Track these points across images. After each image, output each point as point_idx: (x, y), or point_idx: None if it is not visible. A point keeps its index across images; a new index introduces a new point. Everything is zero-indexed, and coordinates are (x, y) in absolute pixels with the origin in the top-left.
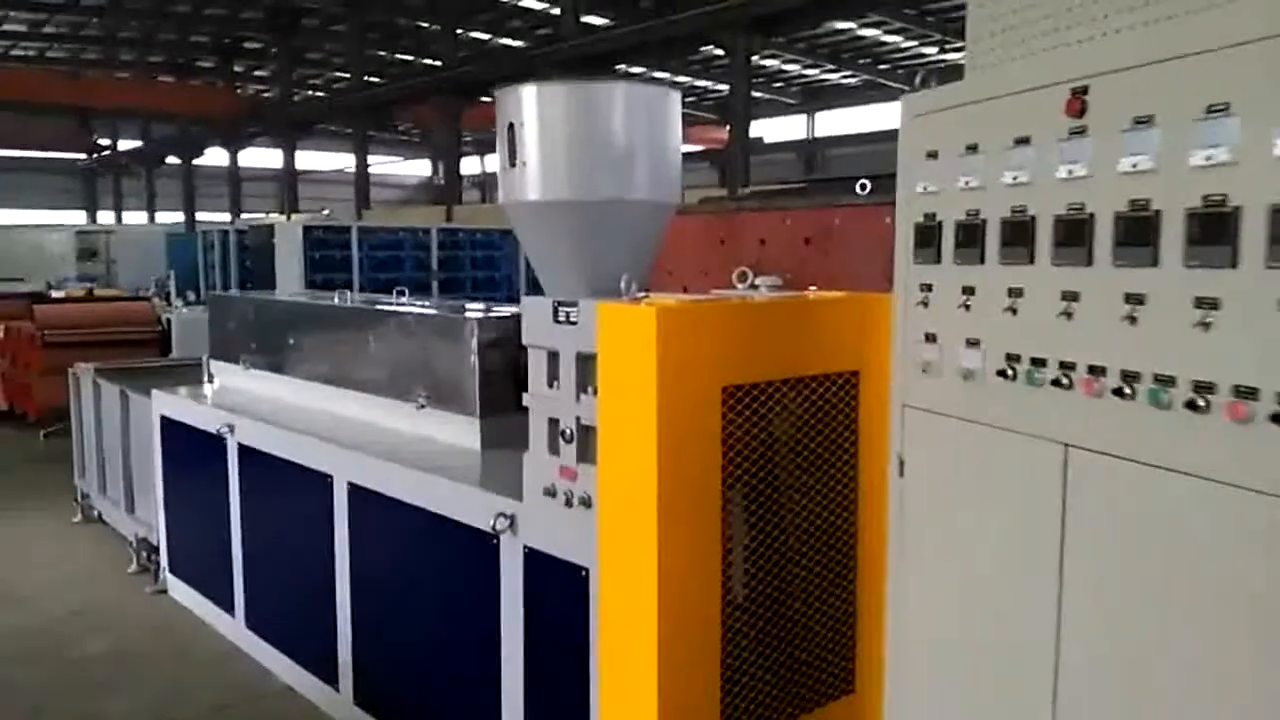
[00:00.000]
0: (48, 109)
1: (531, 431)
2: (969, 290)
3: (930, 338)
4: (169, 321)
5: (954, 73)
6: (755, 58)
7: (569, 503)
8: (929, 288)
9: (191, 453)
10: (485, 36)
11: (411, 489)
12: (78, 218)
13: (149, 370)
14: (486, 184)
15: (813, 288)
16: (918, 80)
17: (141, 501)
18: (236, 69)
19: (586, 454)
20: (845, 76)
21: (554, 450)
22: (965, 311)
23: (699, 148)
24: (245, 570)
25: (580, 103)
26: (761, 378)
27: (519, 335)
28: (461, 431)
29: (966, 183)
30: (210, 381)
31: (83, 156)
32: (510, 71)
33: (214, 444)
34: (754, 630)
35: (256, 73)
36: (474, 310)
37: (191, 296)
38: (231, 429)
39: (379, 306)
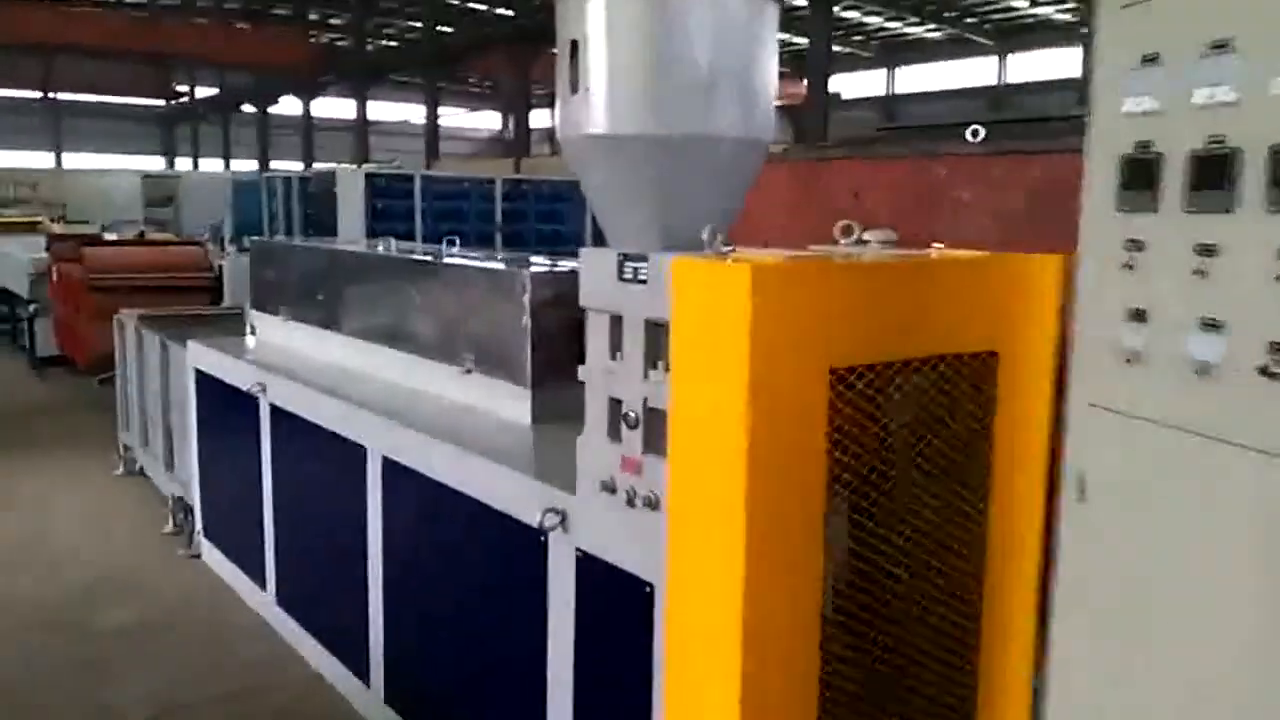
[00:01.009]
0: (126, 54)
1: (588, 412)
2: (1207, 250)
3: (1138, 315)
4: (221, 268)
5: (1047, 31)
6: (835, 8)
7: (631, 501)
8: (1139, 245)
9: (225, 410)
10: None
11: (450, 469)
12: (156, 164)
13: (195, 319)
14: (555, 137)
15: (937, 245)
16: None
17: (180, 458)
18: (311, 17)
19: (655, 444)
20: (928, 30)
21: (614, 436)
22: (1200, 280)
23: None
24: (277, 541)
25: (658, 15)
26: (878, 357)
27: (576, 293)
28: (511, 402)
29: (1210, 96)
30: (252, 334)
31: (160, 103)
32: None
33: (246, 402)
34: (855, 668)
35: (331, 20)
36: (529, 264)
37: (247, 243)
38: (264, 388)
39: (423, 257)
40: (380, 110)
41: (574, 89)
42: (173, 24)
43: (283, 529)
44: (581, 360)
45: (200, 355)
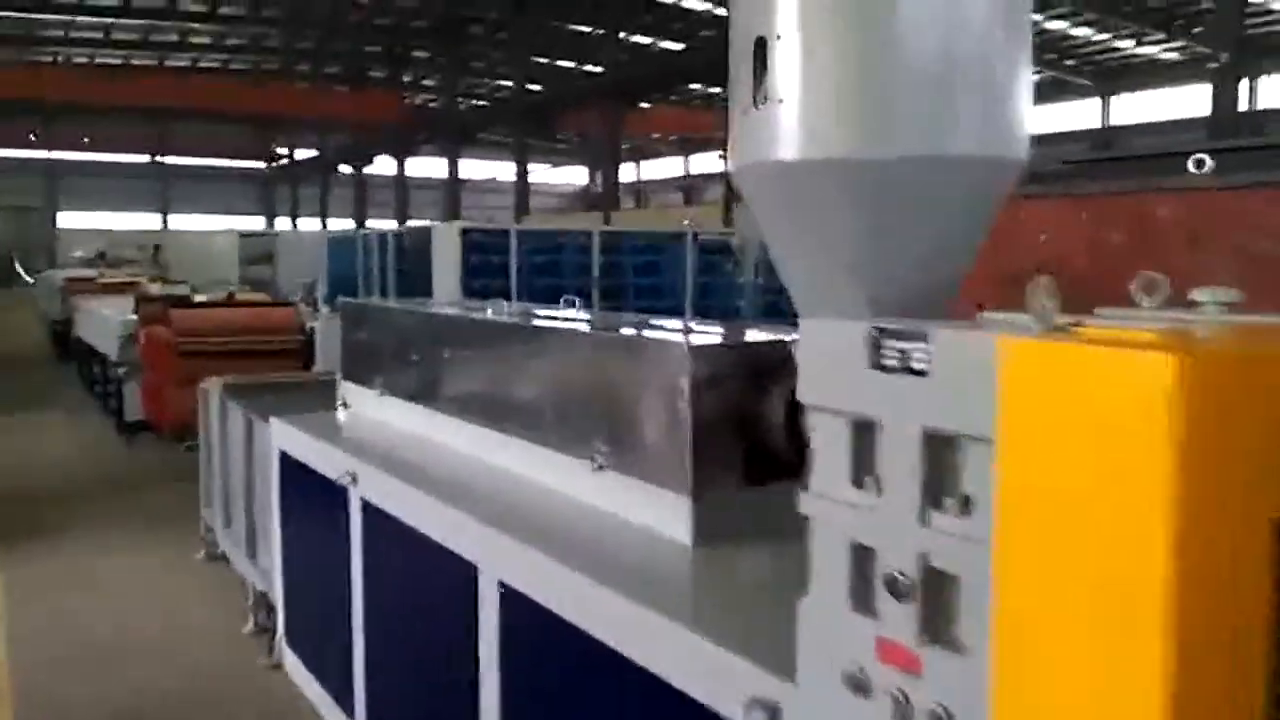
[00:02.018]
0: (231, 117)
1: (816, 560)
2: None
3: None
4: (314, 330)
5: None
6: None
7: (903, 714)
8: None
9: (311, 500)
10: (646, 40)
11: (591, 613)
12: (256, 224)
13: (284, 387)
14: (642, 190)
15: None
16: None
17: (264, 547)
18: (405, 79)
19: (942, 628)
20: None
21: (863, 606)
22: None
23: None
24: (368, 665)
25: (884, 4)
26: None
27: (751, 371)
28: (662, 513)
29: None
30: (343, 408)
31: (261, 165)
32: (672, 73)
33: (335, 494)
34: None
35: (424, 82)
36: (683, 331)
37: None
38: (354, 479)
39: (541, 322)
40: (470, 168)
41: (757, 101)
42: (276, 87)
43: (375, 651)
44: (782, 469)
45: (284, 435)
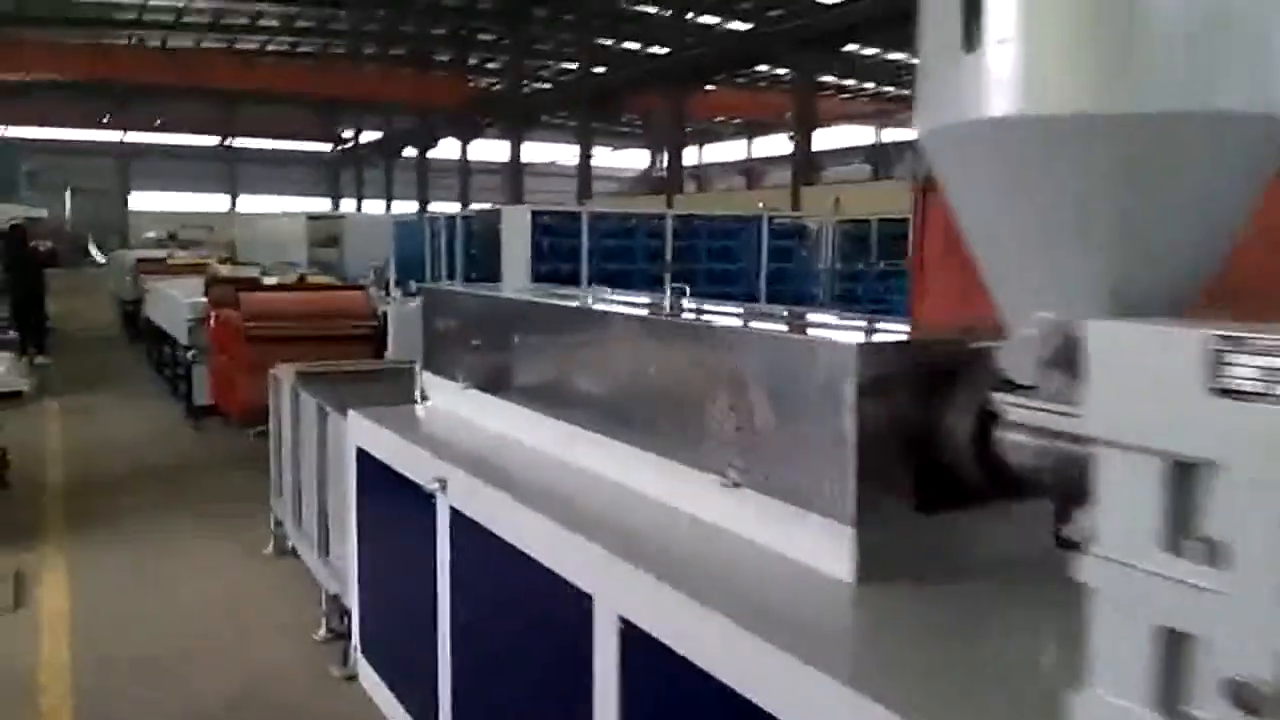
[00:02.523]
0: (297, 100)
1: (1103, 645)
2: None
3: None
4: (385, 315)
5: None
6: None
7: None
8: None
9: (392, 502)
10: (713, 21)
11: (731, 662)
12: (322, 206)
13: (358, 376)
14: (703, 174)
15: None
16: None
17: (337, 545)
18: (470, 62)
19: None
20: None
21: (1170, 710)
22: None
23: None
24: (455, 686)
25: None
26: None
27: (930, 376)
28: (814, 541)
29: None
30: (422, 401)
31: (327, 148)
32: (738, 54)
33: (419, 498)
34: None
35: (488, 65)
36: (831, 324)
37: (413, 286)
38: (443, 485)
39: (662, 316)
40: (531, 152)
41: (969, 41)
42: (342, 70)
43: (465, 676)
44: (965, 494)
45: (362, 430)
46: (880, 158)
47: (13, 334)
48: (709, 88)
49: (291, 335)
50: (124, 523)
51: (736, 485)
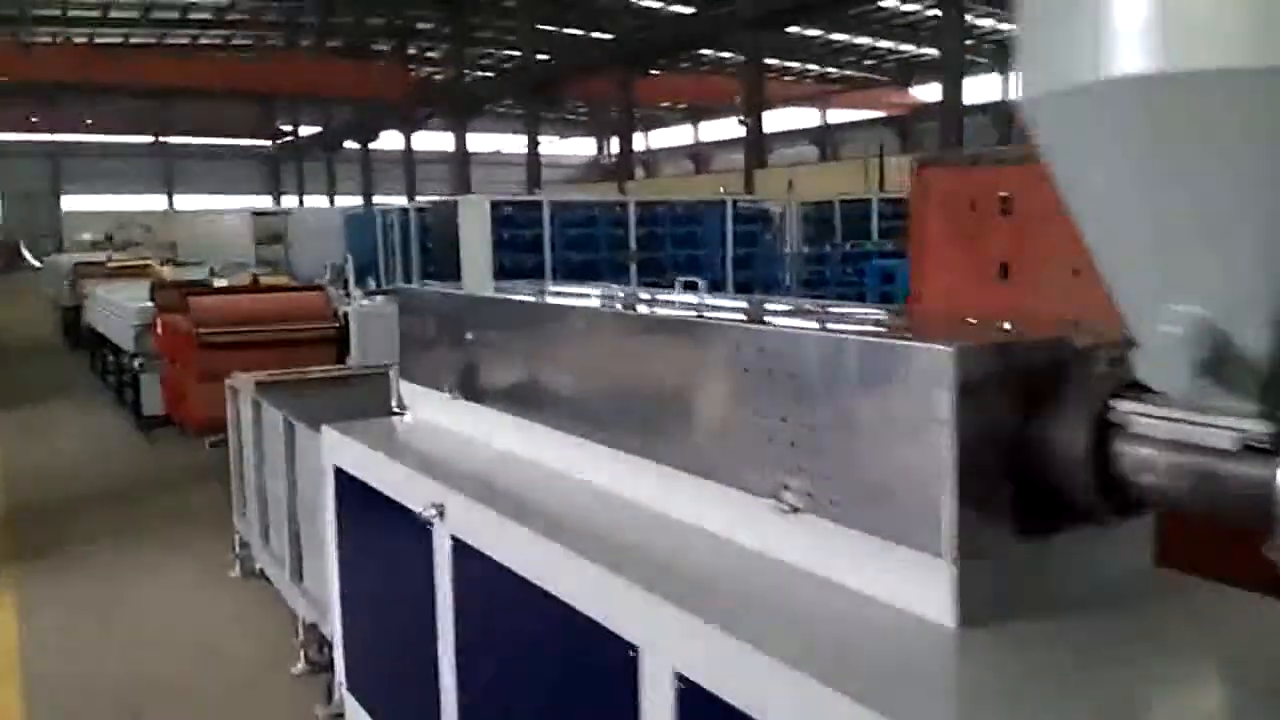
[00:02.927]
0: (234, 94)
1: None
2: None
3: None
4: (347, 316)
5: None
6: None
7: None
8: None
9: (378, 528)
10: (656, 5)
11: None
12: (263, 203)
13: (322, 383)
14: (651, 160)
15: None
16: None
17: (312, 568)
18: (410, 52)
19: None
20: None
21: None
22: None
23: (882, 113)
24: None
25: None
26: None
27: (1036, 381)
28: (901, 579)
29: None
30: (400, 412)
31: (266, 143)
32: (685, 38)
33: (411, 525)
34: None
35: (429, 54)
36: (898, 322)
37: (371, 284)
38: (441, 512)
39: (694, 314)
40: (476, 142)
41: None
42: (279, 63)
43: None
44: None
45: (339, 448)
46: (825, 139)
47: None
48: (654, 72)
49: (247, 341)
50: (76, 550)
51: (795, 510)
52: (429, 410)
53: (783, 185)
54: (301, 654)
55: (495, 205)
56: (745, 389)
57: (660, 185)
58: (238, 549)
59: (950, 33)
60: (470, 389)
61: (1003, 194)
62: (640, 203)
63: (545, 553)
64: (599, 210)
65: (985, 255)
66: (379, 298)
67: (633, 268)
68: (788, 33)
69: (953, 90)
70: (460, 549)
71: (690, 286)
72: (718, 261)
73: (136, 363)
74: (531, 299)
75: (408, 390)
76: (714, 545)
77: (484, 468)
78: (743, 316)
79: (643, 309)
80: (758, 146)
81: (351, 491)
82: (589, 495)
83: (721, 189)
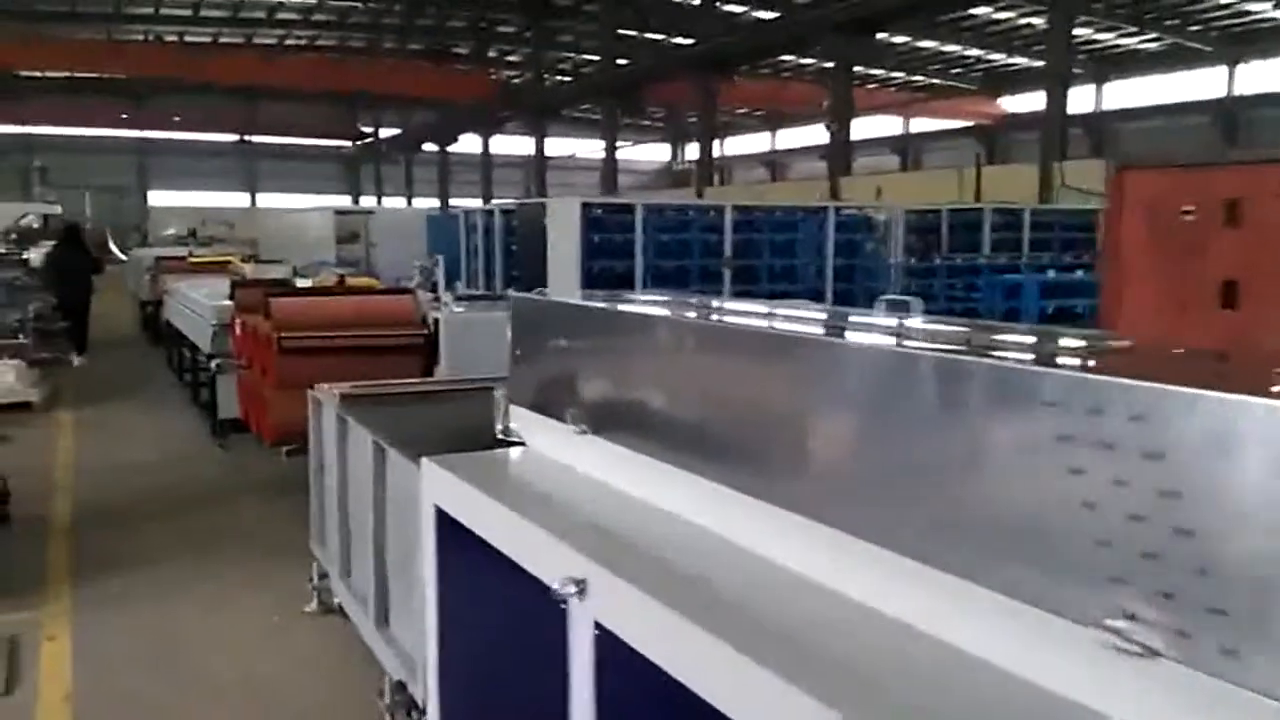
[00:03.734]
0: (318, 95)
1: None
2: None
3: None
4: (437, 323)
5: None
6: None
7: None
8: None
9: (492, 590)
10: (738, 9)
11: None
12: (341, 203)
13: (414, 399)
14: (725, 167)
15: None
16: None
17: (401, 614)
18: (490, 54)
19: None
20: (1144, 41)
21: None
22: None
23: (967, 122)
24: None
25: None
26: None
27: None
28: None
29: None
30: (510, 442)
31: (347, 144)
32: (767, 43)
33: (540, 597)
34: None
35: (509, 58)
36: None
37: (460, 288)
38: (581, 590)
39: (960, 348)
40: (550, 146)
41: None
42: (361, 64)
43: None
44: None
45: (444, 488)
46: (908, 148)
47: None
48: (735, 78)
49: (330, 347)
50: (141, 570)
51: (1147, 653)
52: (549, 444)
53: (868, 193)
54: (387, 718)
55: (586, 207)
56: (1061, 465)
57: (735, 192)
58: (315, 579)
59: (1056, 41)
60: (608, 425)
61: (1229, 199)
62: (737, 207)
63: (734, 673)
64: (693, 214)
65: (1201, 273)
66: (475, 305)
67: (726, 276)
68: (875, 39)
69: (1058, 99)
70: (607, 641)
71: (897, 306)
72: (813, 271)
73: (213, 363)
74: (700, 318)
75: (520, 417)
76: (998, 686)
77: (638, 534)
78: (1028, 355)
79: (865, 338)
80: (844, 154)
81: (458, 540)
82: (799, 591)
83: (818, 195)
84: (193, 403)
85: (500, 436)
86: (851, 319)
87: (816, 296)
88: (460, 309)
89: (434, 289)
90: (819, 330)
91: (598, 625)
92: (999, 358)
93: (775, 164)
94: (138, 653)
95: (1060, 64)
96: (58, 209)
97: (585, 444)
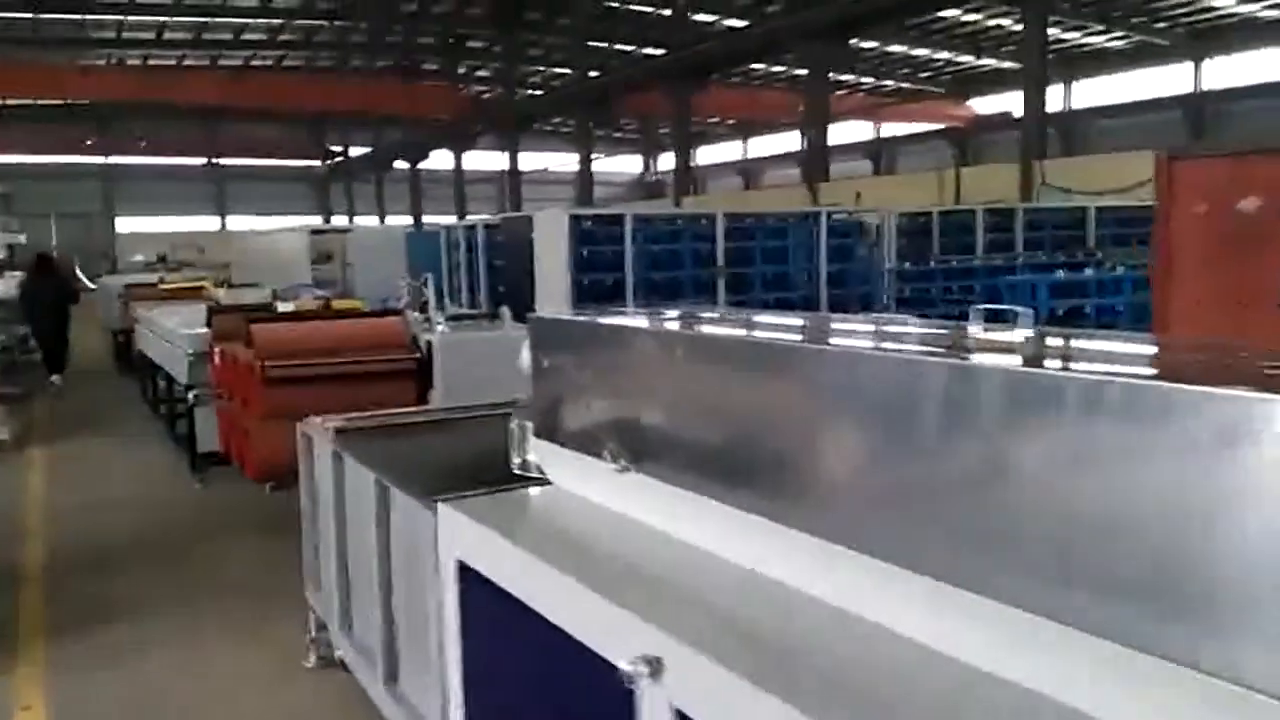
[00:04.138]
0: (286, 115)
1: None
2: None
3: None
4: (429, 346)
5: None
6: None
7: None
8: None
9: (535, 660)
10: (710, 18)
11: None
12: (313, 222)
13: (414, 429)
14: (698, 177)
15: None
16: None
17: (411, 671)
18: (459, 70)
19: None
20: (1111, 39)
21: None
22: None
23: (936, 125)
24: None
25: None
26: None
27: None
28: None
29: None
30: (530, 478)
31: (317, 163)
32: (744, 49)
33: (601, 676)
34: None
35: (479, 73)
36: None
37: (450, 307)
38: (655, 668)
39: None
40: (522, 161)
41: None
42: (330, 83)
43: None
44: None
45: (468, 539)
46: (881, 152)
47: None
48: (708, 87)
49: (318, 374)
50: (120, 625)
51: None
52: (579, 482)
53: (847, 199)
54: None
55: (575, 219)
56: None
57: (714, 201)
58: (313, 632)
59: (1030, 41)
60: (658, 461)
61: None
62: (728, 215)
63: None
64: (683, 224)
65: (1262, 268)
66: (465, 326)
67: (720, 285)
68: (848, 44)
69: (1036, 99)
70: None
71: (998, 317)
72: (806, 278)
73: (190, 395)
74: (770, 335)
75: (544, 451)
76: None
77: (716, 596)
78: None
79: (989, 359)
80: (822, 159)
81: (487, 598)
82: (924, 663)
83: (858, 195)
84: (168, 435)
85: (518, 471)
86: (964, 335)
87: (810, 304)
88: (451, 330)
89: (423, 309)
90: (923, 348)
91: (679, 714)
92: (1196, 382)
93: (748, 172)
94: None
95: (1037, 64)
96: (22, 238)
97: (628, 483)
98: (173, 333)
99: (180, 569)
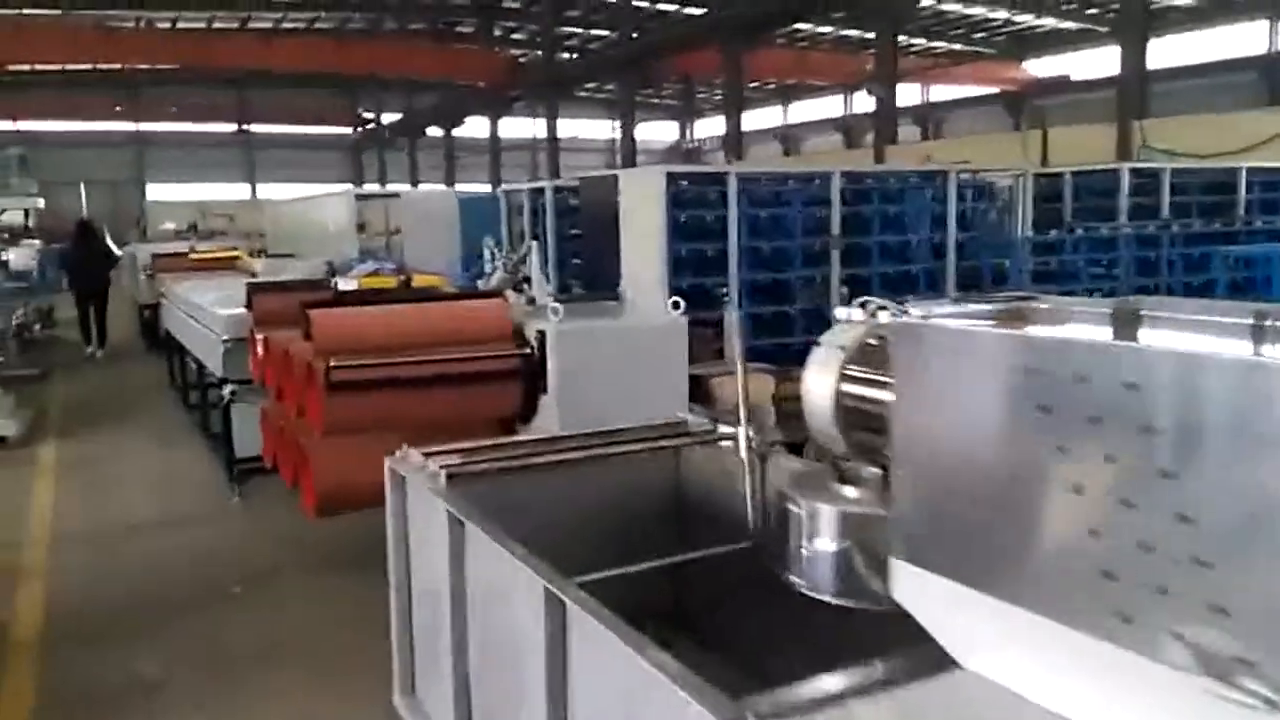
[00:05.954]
0: (316, 80)
1: None
2: None
3: None
4: (541, 337)
5: None
6: None
7: None
8: None
9: None
10: None
11: None
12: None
13: (558, 468)
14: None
15: None
16: None
17: None
18: (495, 33)
19: None
20: None
21: None
22: None
23: (991, 89)
24: None
25: None
26: None
27: None
28: None
29: None
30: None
31: (348, 130)
32: (793, 7)
33: None
34: None
35: (514, 35)
36: None
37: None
38: None
39: None
40: (562, 129)
41: None
42: (363, 46)
43: None
44: None
45: None
46: (929, 117)
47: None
48: (757, 47)
49: (398, 377)
50: None
51: None
52: (993, 655)
53: (911, 163)
54: None
55: (672, 178)
56: None
57: (813, 159)
58: (409, 689)
59: None
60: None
61: None
62: (846, 173)
63: None
64: (794, 185)
65: None
66: (575, 311)
67: (835, 257)
68: (893, 4)
69: (1134, 55)
70: None
71: None
72: (928, 248)
73: (226, 390)
74: None
75: (918, 586)
76: None
77: None
78: None
79: None
80: (891, 121)
81: None
82: None
83: (928, 158)
84: (200, 429)
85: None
86: None
87: (935, 279)
88: (565, 319)
89: (522, 286)
90: None
91: None
92: None
93: (788, 138)
94: None
95: (1137, 16)
96: (40, 202)
97: (1006, 631)
98: (205, 311)
99: (217, 628)
